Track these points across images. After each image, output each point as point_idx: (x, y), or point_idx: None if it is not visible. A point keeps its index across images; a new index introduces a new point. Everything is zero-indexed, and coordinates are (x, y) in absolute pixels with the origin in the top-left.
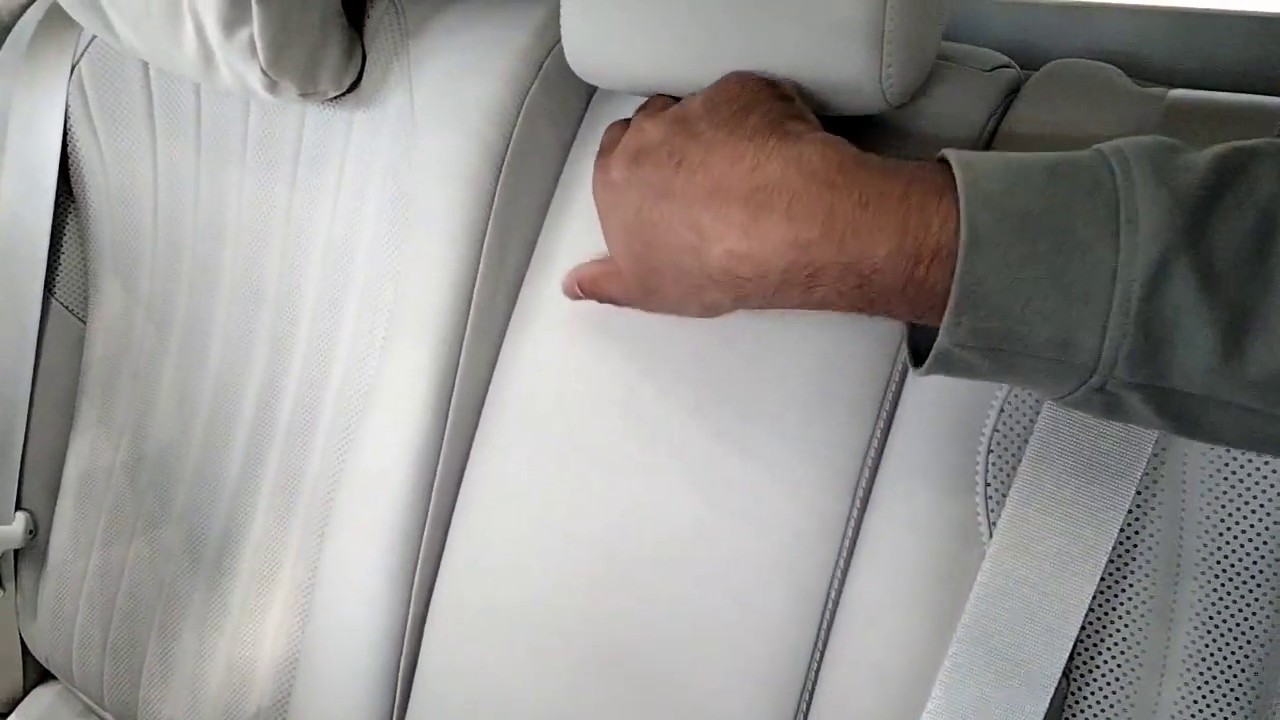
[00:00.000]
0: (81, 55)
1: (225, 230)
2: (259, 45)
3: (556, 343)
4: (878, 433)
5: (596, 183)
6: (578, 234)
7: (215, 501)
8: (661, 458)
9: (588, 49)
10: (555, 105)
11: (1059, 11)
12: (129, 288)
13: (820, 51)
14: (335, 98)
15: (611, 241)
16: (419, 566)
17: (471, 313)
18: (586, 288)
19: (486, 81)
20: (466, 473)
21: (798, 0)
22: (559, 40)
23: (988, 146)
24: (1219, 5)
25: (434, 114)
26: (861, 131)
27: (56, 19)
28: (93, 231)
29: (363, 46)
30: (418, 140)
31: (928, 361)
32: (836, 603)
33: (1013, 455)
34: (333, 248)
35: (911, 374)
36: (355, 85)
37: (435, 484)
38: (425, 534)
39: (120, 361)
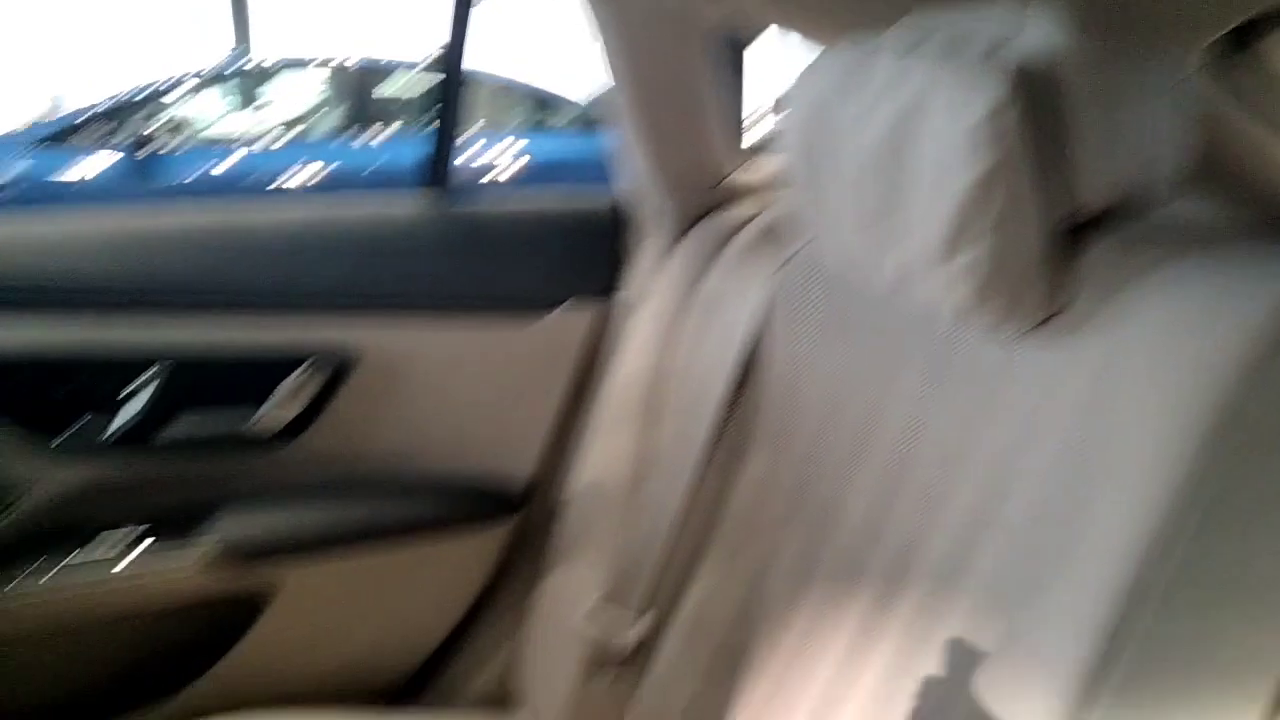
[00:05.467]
0: (781, 267)
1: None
2: (969, 275)
3: None
4: None
5: None
6: None
7: None
8: None
9: None
10: None
11: None
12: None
13: None
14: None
15: None
16: None
17: None
18: None
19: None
20: None
21: None
22: None
23: None
24: None
25: (1136, 378)
26: None
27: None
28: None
29: (1072, 282)
30: (1111, 396)
31: None
32: None
33: None
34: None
35: None
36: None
37: None
38: None
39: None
